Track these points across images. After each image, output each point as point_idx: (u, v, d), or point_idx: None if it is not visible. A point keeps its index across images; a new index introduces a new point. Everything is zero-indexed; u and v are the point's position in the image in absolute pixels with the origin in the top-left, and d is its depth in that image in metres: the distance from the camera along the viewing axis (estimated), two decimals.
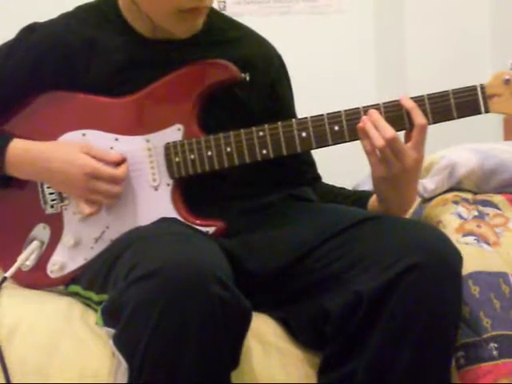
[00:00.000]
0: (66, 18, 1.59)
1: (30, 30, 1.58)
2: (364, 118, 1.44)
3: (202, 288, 1.22)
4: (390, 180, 1.45)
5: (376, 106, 1.45)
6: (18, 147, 1.53)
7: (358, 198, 1.61)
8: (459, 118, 1.45)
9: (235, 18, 1.67)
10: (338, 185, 1.72)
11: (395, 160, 1.42)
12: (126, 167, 1.50)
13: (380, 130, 1.42)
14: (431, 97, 1.45)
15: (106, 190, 1.49)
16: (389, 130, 1.42)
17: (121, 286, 1.27)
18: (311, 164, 1.73)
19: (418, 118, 1.43)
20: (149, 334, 1.22)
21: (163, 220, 1.48)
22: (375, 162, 1.44)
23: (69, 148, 1.51)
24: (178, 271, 1.22)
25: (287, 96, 1.70)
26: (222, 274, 1.25)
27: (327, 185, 1.72)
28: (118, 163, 1.51)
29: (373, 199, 1.56)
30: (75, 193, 1.52)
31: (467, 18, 2.77)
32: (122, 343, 1.27)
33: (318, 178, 1.73)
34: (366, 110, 1.45)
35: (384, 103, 1.46)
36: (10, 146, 1.52)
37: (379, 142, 1.42)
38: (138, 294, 1.23)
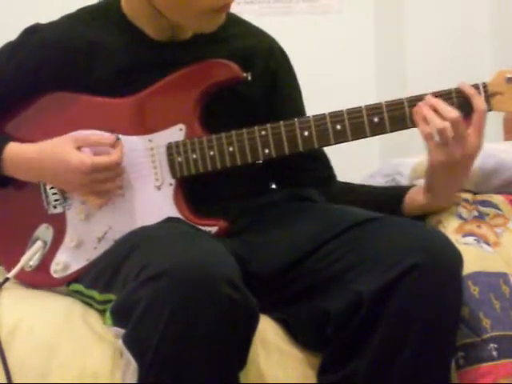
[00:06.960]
0: (68, 19, 1.59)
1: (33, 31, 1.57)
2: (419, 103, 1.42)
3: (213, 288, 1.22)
4: (447, 166, 1.43)
5: (378, 105, 1.45)
6: (14, 150, 1.52)
7: (391, 195, 1.58)
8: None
9: None
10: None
11: (456, 144, 1.40)
12: (120, 149, 1.49)
13: (441, 111, 1.40)
14: (436, 95, 1.43)
15: (108, 177, 1.48)
16: (452, 111, 1.39)
17: (131, 285, 1.27)
18: (323, 163, 1.70)
19: (480, 103, 1.41)
20: (159, 334, 1.22)
21: (168, 220, 1.48)
22: (434, 147, 1.42)
23: (62, 146, 1.49)
24: (189, 271, 1.23)
25: (291, 90, 1.68)
26: (232, 274, 1.25)
27: (346, 183, 1.69)
28: (113, 145, 1.50)
29: (413, 191, 1.54)
30: (78, 191, 1.52)
31: (467, 18, 2.77)
32: (133, 342, 1.26)
33: (331, 177, 1.70)
34: (367, 108, 1.45)
35: (386, 102, 1.45)
36: (6, 149, 1.52)
37: (441, 123, 1.39)
38: (148, 294, 1.23)
